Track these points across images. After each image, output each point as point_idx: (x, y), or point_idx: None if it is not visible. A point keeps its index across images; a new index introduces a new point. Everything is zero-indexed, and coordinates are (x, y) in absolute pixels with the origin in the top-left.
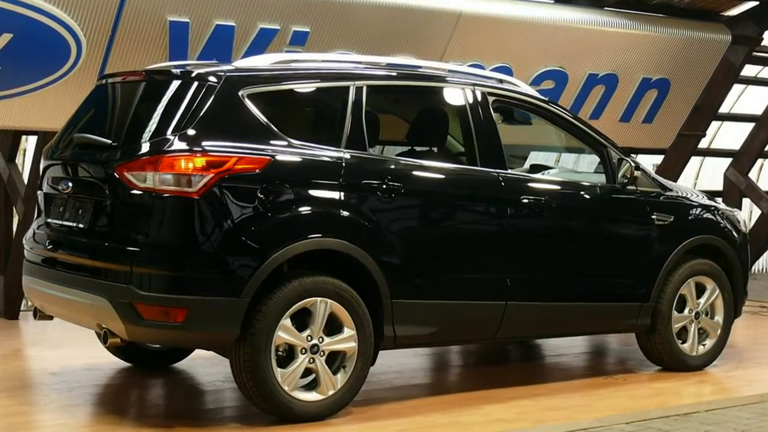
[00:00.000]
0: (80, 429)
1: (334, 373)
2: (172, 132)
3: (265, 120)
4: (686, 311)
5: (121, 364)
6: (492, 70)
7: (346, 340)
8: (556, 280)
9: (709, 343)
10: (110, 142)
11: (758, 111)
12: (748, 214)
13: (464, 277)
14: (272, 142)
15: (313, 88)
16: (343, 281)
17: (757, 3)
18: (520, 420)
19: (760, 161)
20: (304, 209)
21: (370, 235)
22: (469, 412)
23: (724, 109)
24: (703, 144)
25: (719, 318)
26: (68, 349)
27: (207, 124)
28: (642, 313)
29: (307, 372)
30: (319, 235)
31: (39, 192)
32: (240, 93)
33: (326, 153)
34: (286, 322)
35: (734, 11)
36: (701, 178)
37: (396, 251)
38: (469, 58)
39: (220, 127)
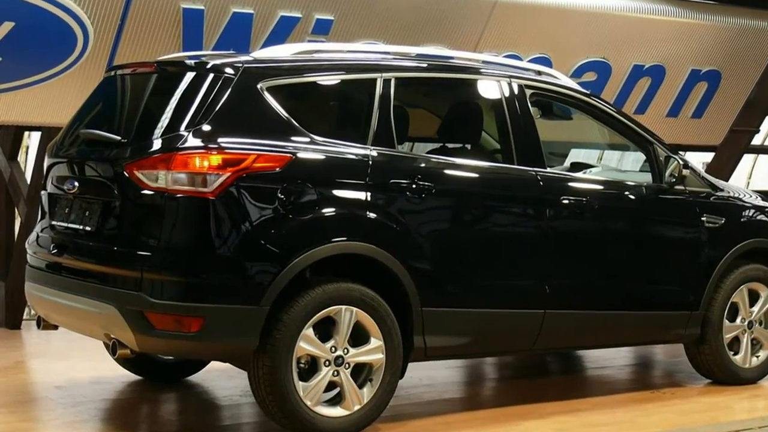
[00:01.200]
0: None
1: (360, 386)
2: (186, 128)
3: (286, 115)
4: (738, 320)
5: (131, 377)
6: (530, 61)
7: (373, 352)
8: (598, 287)
9: (763, 354)
10: (119, 138)
11: None
12: None
13: (500, 284)
14: (293, 138)
15: (338, 81)
16: (369, 288)
17: None
18: None
19: None
20: (328, 211)
21: (399, 238)
22: (505, 429)
23: None
24: (757, 141)
25: None
26: (74, 361)
27: (223, 120)
28: (691, 322)
29: (331, 386)
30: (344, 238)
31: (43, 192)
32: (259, 86)
33: (351, 150)
34: (309, 332)
35: None
36: (754, 177)
37: (426, 256)
38: (505, 48)
39: (238, 122)
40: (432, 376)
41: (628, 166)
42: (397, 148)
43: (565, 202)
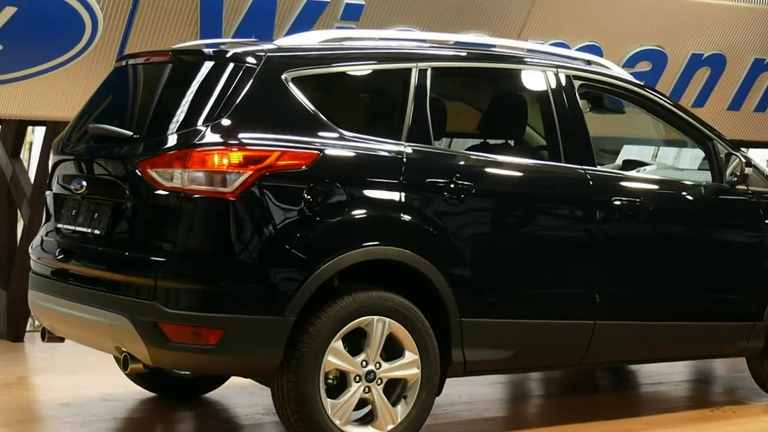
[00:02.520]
0: None
1: (394, 404)
2: (204, 122)
3: (313, 108)
4: None
5: (144, 394)
6: (578, 49)
7: (408, 366)
8: (653, 296)
9: None
10: (131, 133)
11: None
12: None
13: (546, 293)
14: (321, 133)
15: (369, 71)
16: (403, 297)
17: None
18: None
19: None
20: (359, 213)
21: (436, 242)
22: None
23: None
24: None
25: None
26: (82, 377)
27: (245, 113)
28: (754, 334)
29: (362, 403)
30: (376, 242)
31: (48, 192)
32: (283, 76)
33: (384, 147)
34: (338, 344)
35: None
36: None
37: (466, 262)
38: (552, 35)
39: (260, 116)
40: (472, 393)
41: (685, 164)
42: (434, 144)
43: (617, 203)
